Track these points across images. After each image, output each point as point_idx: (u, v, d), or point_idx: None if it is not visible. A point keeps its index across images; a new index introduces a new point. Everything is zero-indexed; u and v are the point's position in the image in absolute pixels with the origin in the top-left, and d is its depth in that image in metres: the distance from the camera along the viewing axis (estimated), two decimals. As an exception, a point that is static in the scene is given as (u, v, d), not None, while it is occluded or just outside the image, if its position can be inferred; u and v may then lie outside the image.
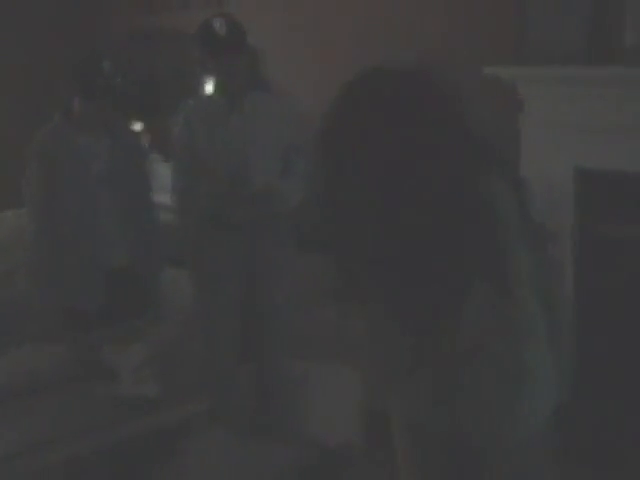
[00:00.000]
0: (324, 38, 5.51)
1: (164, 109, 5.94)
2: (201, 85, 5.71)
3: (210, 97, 4.42)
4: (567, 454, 2.69)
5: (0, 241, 5.16)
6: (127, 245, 4.21)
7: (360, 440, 4.40)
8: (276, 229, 4.35)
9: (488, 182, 2.28)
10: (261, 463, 4.02)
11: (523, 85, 4.48)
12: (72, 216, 4.11)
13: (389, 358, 2.46)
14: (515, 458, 2.41)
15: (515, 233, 2.31)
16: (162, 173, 5.67)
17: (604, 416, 4.24)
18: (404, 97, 2.26)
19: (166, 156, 4.62)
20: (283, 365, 4.41)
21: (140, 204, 4.30)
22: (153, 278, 4.33)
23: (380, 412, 2.68)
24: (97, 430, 3.79)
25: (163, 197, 5.09)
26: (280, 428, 4.36)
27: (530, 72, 4.51)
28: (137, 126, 5.61)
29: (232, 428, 4.19)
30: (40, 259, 4.16)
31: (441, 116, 2.26)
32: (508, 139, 4.18)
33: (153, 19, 6.17)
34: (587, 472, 3.96)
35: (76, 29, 6.27)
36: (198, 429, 3.99)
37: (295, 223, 4.43)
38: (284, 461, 4.10)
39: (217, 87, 4.31)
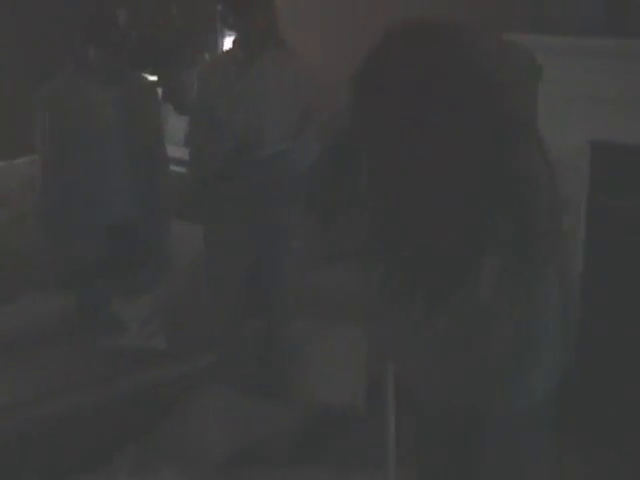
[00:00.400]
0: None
1: (178, 61, 5.90)
2: (218, 39, 5.68)
3: (228, 52, 4.38)
4: (567, 421, 2.70)
5: (11, 189, 5.14)
6: (136, 197, 4.19)
7: (361, 402, 4.42)
8: (287, 189, 4.34)
9: (528, 150, 2.29)
10: (262, 420, 4.04)
11: (541, 54, 4.43)
12: (82, 166, 4.10)
13: (398, 313, 2.45)
14: (519, 425, 2.42)
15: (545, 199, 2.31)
16: (175, 125, 5.65)
17: (606, 384, 4.26)
18: (445, 48, 2.27)
19: (179, 108, 4.58)
20: (288, 323, 4.43)
21: (151, 155, 4.28)
22: (161, 230, 4.32)
23: (380, 374, 2.68)
24: (102, 381, 3.82)
25: (174, 149, 5.08)
26: (282, 386, 4.38)
27: (547, 41, 4.47)
28: (151, 78, 5.57)
29: (235, 383, 4.21)
30: (47, 207, 4.15)
31: (480, 72, 2.28)
32: (530, 108, 4.15)
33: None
34: (587, 438, 4.00)
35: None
36: (202, 383, 4.01)
37: (306, 183, 4.42)
38: (284, 419, 4.13)
39: (236, 42, 4.29)
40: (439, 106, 2.22)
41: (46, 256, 4.16)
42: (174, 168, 4.59)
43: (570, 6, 4.35)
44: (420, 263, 2.32)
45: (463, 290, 2.28)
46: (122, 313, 3.93)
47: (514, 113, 2.36)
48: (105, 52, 4.05)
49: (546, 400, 2.43)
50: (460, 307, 2.31)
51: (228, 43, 5.23)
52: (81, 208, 4.11)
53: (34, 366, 3.93)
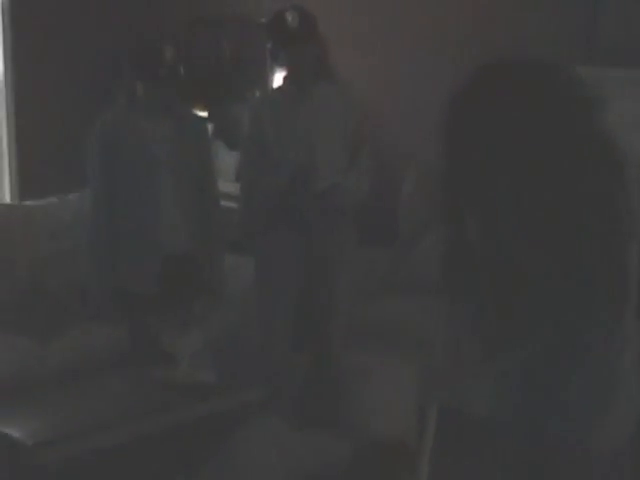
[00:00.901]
0: (393, 28, 5.49)
1: (230, 97, 5.95)
2: (269, 75, 5.72)
3: (280, 88, 4.45)
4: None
5: (63, 223, 5.19)
6: (188, 230, 4.21)
7: (412, 436, 4.37)
8: (340, 222, 4.35)
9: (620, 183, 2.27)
10: (312, 454, 4.01)
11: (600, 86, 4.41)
12: (134, 200, 4.12)
13: (470, 348, 2.42)
14: (596, 468, 2.36)
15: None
16: (225, 161, 5.69)
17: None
18: (530, 87, 2.26)
19: (230, 144, 4.62)
20: (339, 356, 4.41)
21: (202, 190, 4.29)
22: (214, 264, 4.32)
23: (433, 408, 2.64)
24: (152, 414, 3.81)
25: (225, 185, 5.10)
26: (333, 420, 4.35)
27: (604, 73, 4.44)
28: (202, 113, 5.61)
29: (285, 417, 4.19)
30: (100, 241, 4.17)
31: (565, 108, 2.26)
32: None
33: (221, 5, 6.17)
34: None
35: (142, 14, 6.28)
36: (252, 416, 3.99)
37: (359, 216, 4.42)
38: (335, 453, 4.09)
39: (287, 78, 4.32)
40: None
41: (97, 289, 4.17)
42: (225, 203, 4.61)
43: (627, 38, 4.33)
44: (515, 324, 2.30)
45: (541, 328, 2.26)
46: (173, 346, 3.92)
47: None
48: (153, 87, 4.08)
49: (623, 447, 2.38)
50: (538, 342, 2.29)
51: (279, 78, 5.26)
52: (133, 241, 4.13)
53: (85, 398, 3.93)
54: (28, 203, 5.32)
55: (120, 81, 4.16)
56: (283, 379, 4.38)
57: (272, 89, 4.64)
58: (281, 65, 4.42)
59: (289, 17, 4.19)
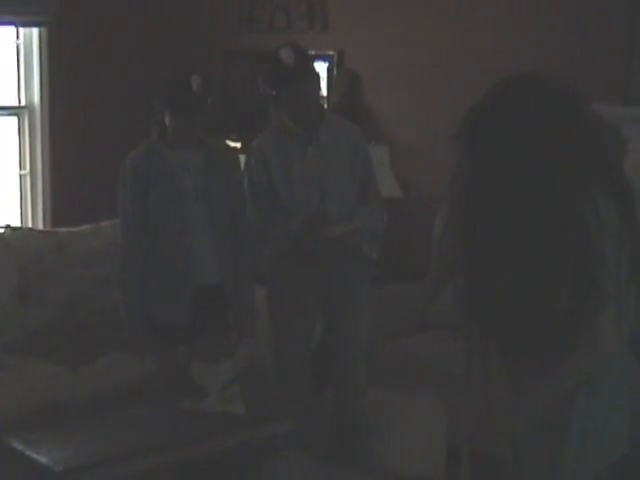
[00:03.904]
0: (421, 70, 5.52)
1: (260, 127, 5.98)
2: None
3: (285, 127, 4.29)
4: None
5: (96, 251, 5.22)
6: (219, 262, 4.21)
7: (440, 474, 4.35)
8: (354, 260, 4.33)
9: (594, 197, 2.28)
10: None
11: (629, 126, 4.41)
12: (165, 231, 4.13)
13: (492, 395, 2.44)
14: None
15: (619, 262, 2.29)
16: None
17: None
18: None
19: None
20: (362, 395, 4.38)
21: (234, 221, 4.29)
22: (244, 296, 4.33)
23: (460, 447, 2.65)
24: (180, 445, 3.82)
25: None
26: (361, 457, 4.33)
27: (636, 113, 4.45)
28: (234, 144, 5.64)
29: (314, 453, 4.18)
30: (131, 272, 4.19)
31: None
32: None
33: (256, 39, 6.22)
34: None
35: (171, 47, 6.36)
36: (280, 449, 3.99)
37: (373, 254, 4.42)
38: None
39: (291, 118, 4.24)
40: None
41: (128, 318, 4.19)
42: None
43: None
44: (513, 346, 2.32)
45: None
46: (203, 377, 3.93)
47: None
48: (181, 118, 4.07)
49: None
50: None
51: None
52: (164, 272, 4.14)
53: (114, 427, 3.95)
54: (61, 230, 5.36)
55: (152, 113, 4.18)
56: (307, 418, 4.35)
57: (275, 127, 4.39)
58: (283, 106, 4.23)
59: (284, 56, 4.09)
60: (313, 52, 5.57)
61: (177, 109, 4.06)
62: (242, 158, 4.47)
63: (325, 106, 4.33)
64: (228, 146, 4.88)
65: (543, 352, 2.31)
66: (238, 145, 5.69)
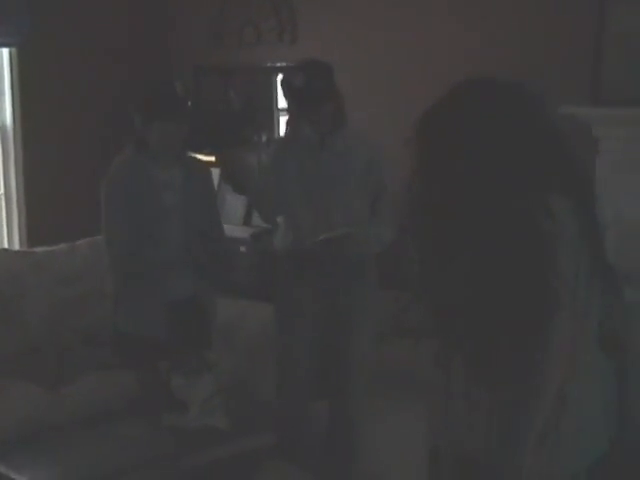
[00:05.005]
0: (401, 74, 5.53)
1: (235, 141, 5.99)
2: (275, 119, 5.75)
3: (301, 133, 4.31)
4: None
5: (73, 269, 5.21)
6: (194, 275, 4.21)
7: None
8: (360, 269, 4.31)
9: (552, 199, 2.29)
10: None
11: (599, 127, 4.45)
12: (143, 245, 4.13)
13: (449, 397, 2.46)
14: None
15: (580, 265, 2.30)
16: (233, 205, 5.72)
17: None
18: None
19: (238, 189, 4.62)
20: (358, 403, 4.38)
21: (209, 235, 4.29)
22: (214, 309, 4.33)
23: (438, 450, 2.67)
24: (164, 459, 3.82)
25: (233, 228, 5.12)
26: (347, 466, 4.33)
27: (605, 113, 4.48)
28: (208, 158, 5.65)
29: (300, 463, 4.17)
30: (114, 287, 4.19)
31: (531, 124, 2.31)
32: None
33: (226, 53, 6.24)
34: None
35: (150, 62, 6.36)
36: (265, 462, 3.99)
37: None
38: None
39: (306, 124, 4.25)
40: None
41: (110, 335, 4.19)
42: (233, 247, 4.62)
43: (628, 78, 4.37)
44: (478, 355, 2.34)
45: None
46: (183, 391, 3.93)
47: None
48: (169, 122, 4.04)
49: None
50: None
51: (284, 124, 5.28)
52: (144, 286, 4.14)
53: (96, 445, 3.94)
54: (38, 249, 5.34)
55: (129, 128, 4.16)
56: (298, 426, 4.34)
57: (291, 133, 4.46)
58: (300, 119, 4.30)
59: (295, 79, 4.12)
60: (283, 64, 5.65)
61: (165, 111, 4.01)
62: (214, 172, 4.48)
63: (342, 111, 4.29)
64: (202, 161, 4.85)
65: (500, 364, 2.31)
66: (212, 159, 5.70)
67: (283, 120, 6.04)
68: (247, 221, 5.76)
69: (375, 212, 4.27)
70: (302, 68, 4.19)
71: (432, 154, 2.35)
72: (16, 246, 6.04)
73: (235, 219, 5.69)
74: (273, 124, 6.04)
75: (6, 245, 6.06)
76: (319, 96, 4.13)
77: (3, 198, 6.12)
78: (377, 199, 4.29)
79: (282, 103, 6.19)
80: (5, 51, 5.94)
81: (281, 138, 4.41)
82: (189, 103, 4.09)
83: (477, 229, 2.28)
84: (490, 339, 2.29)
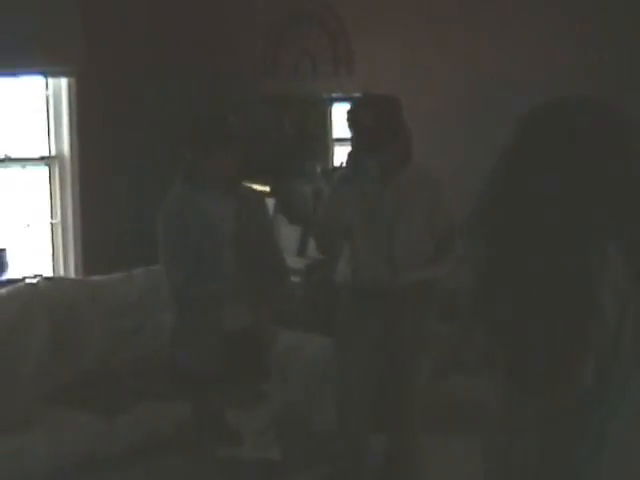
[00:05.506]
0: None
1: (290, 172, 5.99)
2: (330, 151, 5.75)
3: (364, 166, 4.20)
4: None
5: (129, 299, 5.23)
6: (254, 306, 4.19)
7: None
8: (420, 305, 4.27)
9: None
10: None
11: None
12: (197, 278, 4.11)
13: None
14: None
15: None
16: (287, 235, 5.71)
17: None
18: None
19: (292, 218, 4.61)
20: (414, 437, 4.33)
21: (266, 266, 4.27)
22: (274, 341, 4.30)
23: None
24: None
25: (288, 259, 5.10)
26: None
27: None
28: (262, 188, 5.65)
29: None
30: (172, 318, 4.18)
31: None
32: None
33: (281, 84, 6.25)
34: None
35: (202, 92, 6.38)
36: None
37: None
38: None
39: (374, 158, 4.14)
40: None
41: (164, 365, 4.18)
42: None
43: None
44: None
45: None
46: (238, 423, 3.91)
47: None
48: (217, 157, 4.03)
49: None
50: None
51: (339, 154, 5.27)
52: (200, 317, 4.13)
53: (149, 476, 3.93)
54: (94, 278, 5.37)
55: (183, 160, 4.15)
56: (356, 458, 4.30)
57: (349, 167, 4.31)
58: (368, 155, 4.11)
59: (363, 116, 4.00)
60: (339, 95, 5.65)
61: (217, 139, 4.00)
62: (270, 202, 4.46)
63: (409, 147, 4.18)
64: (257, 191, 4.83)
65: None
66: (267, 189, 5.70)
67: (337, 150, 6.04)
68: (301, 252, 5.75)
69: (441, 253, 4.20)
70: (371, 105, 4.08)
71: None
72: (72, 275, 6.07)
73: (289, 250, 5.68)
74: (328, 154, 6.04)
75: (62, 273, 6.10)
76: (388, 135, 4.06)
77: (60, 226, 6.17)
78: (445, 244, 4.22)
79: (337, 133, 6.21)
80: (64, 81, 6.00)
81: (342, 169, 4.31)
82: (242, 133, 4.07)
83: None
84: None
